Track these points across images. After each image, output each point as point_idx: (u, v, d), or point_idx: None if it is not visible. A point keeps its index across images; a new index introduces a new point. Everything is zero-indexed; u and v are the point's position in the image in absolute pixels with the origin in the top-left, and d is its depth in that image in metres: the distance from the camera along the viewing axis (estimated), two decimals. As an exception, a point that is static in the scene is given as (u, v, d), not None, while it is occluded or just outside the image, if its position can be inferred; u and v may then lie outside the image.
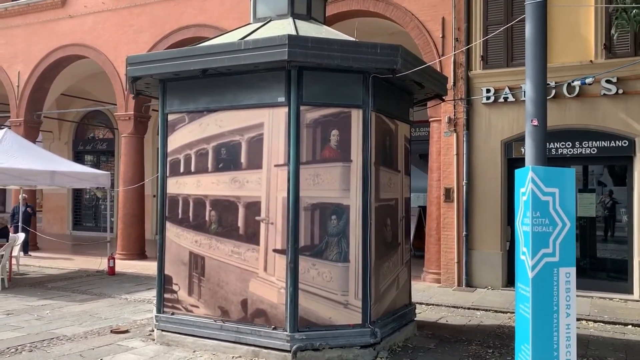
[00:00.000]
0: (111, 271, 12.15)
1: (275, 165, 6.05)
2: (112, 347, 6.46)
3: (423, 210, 14.41)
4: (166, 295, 6.69)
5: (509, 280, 10.82)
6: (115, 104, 14.97)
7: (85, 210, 22.11)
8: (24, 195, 14.54)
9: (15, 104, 16.31)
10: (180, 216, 6.64)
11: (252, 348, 6.02)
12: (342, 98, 6.13)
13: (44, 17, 15.88)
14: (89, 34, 15.13)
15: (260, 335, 5.99)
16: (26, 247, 14.96)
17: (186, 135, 6.60)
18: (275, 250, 6.02)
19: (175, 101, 6.68)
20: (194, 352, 6.26)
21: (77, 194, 21.84)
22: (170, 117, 6.73)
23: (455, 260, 10.89)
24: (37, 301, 9.18)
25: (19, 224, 13.99)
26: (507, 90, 10.64)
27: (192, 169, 6.56)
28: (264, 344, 5.96)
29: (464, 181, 10.88)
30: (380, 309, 6.40)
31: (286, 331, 5.86)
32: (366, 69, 6.01)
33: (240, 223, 6.23)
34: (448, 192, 11.03)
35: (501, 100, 10.72)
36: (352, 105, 6.13)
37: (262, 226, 6.10)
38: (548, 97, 10.12)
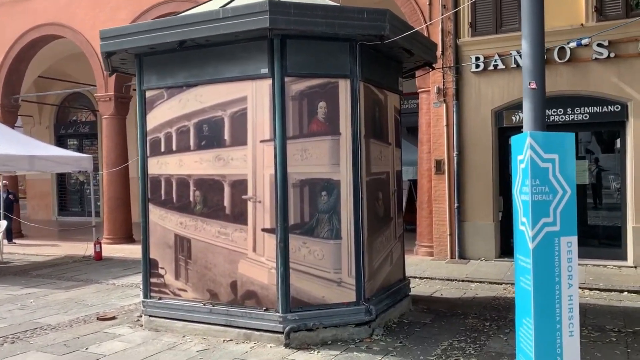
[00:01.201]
0: (98, 256, 11.89)
1: (261, 141, 5.78)
2: (99, 335, 6.23)
3: (413, 183, 14.23)
4: (152, 280, 6.45)
5: (503, 251, 10.72)
6: (96, 85, 14.51)
7: (71, 195, 21.70)
8: (4, 182, 14.14)
9: (-9, 88, 15.76)
10: (163, 197, 6.37)
11: (244, 331, 5.82)
12: (329, 68, 5.84)
13: (16, -4, 15.26)
14: (63, 12, 14.57)
15: (251, 317, 5.79)
16: (10, 235, 14.62)
17: (165, 112, 6.29)
18: (264, 230, 5.79)
19: (152, 77, 6.35)
20: (183, 337, 6.05)
21: (62, 179, 21.40)
22: (148, 94, 6.40)
23: (448, 233, 10.75)
24: (20, 290, 8.91)
25: (0, 211, 13.61)
26: (496, 57, 10.37)
27: (174, 147, 6.27)
28: (255, 326, 5.77)
29: (455, 152, 10.68)
30: (374, 286, 6.22)
31: (278, 312, 5.67)
32: (353, 36, 5.72)
33: (226, 203, 5.98)
34: (439, 164, 10.83)
35: (491, 68, 10.46)
36: (340, 75, 5.85)
37: (250, 205, 5.85)
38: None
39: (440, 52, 10.58)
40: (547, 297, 4.19)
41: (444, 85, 10.79)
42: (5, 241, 14.40)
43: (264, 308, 5.76)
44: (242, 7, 5.44)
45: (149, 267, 6.47)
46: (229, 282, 5.96)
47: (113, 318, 6.98)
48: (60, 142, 21.44)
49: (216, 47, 5.91)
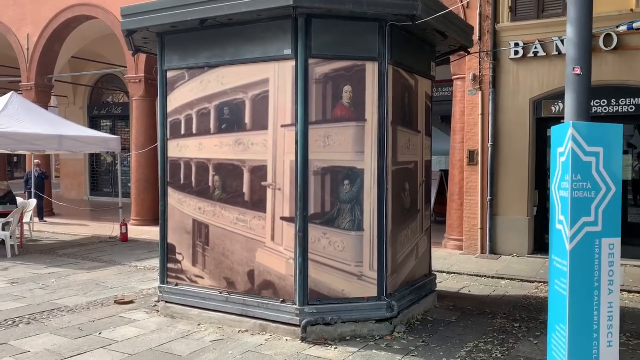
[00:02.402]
0: (123, 237, 11.90)
1: (282, 126, 5.52)
2: (114, 319, 6.13)
3: (445, 174, 13.80)
4: (169, 265, 6.31)
5: (536, 247, 10.26)
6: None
7: (103, 175, 21.94)
8: (36, 160, 14.30)
9: (26, 68, 15.92)
10: (182, 181, 6.19)
11: (260, 321, 5.62)
12: (356, 49, 5.52)
13: (51, -24, 15.31)
14: (96, -8, 14.53)
15: (267, 308, 5.58)
16: (41, 213, 14.83)
17: (186, 93, 6.09)
18: (282, 218, 5.55)
19: (174, 56, 6.15)
20: (198, 324, 5.90)
21: (94, 158, 21.64)
22: (169, 74, 6.21)
23: (479, 226, 10.33)
24: (44, 269, 8.94)
25: (32, 189, 13.78)
26: (537, 43, 9.83)
27: (194, 130, 6.07)
28: (271, 317, 5.56)
29: (489, 142, 10.21)
30: (397, 280, 5.93)
31: (295, 304, 5.44)
32: (382, 16, 5.37)
33: (245, 189, 5.76)
34: (472, 155, 10.39)
35: (530, 54, 9.92)
36: (367, 57, 5.52)
37: (269, 192, 5.61)
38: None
39: (477, 37, 10.09)
40: (584, 303, 3.84)
41: (480, 72, 10.31)
42: (37, 219, 14.65)
43: (281, 299, 5.54)
44: (265, -16, 5.16)
45: (167, 252, 6.33)
46: (246, 271, 5.76)
47: (130, 302, 6.88)
48: (93, 122, 21.66)
49: (238, 26, 5.66)
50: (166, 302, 6.27)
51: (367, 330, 5.54)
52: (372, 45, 5.52)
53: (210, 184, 5.97)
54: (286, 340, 5.41)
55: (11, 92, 11.75)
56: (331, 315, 5.44)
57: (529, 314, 6.57)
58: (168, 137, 6.26)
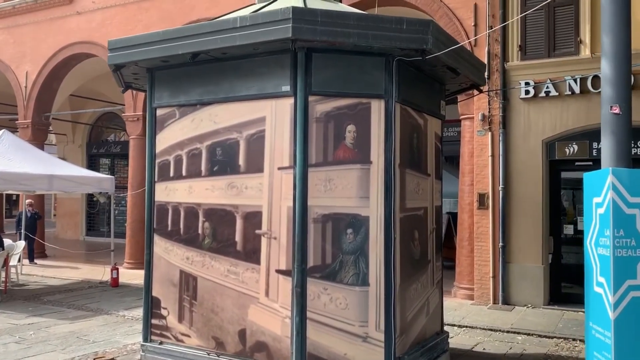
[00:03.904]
0: (114, 282, 11.28)
1: (279, 168, 5.02)
2: (90, 383, 5.50)
3: (452, 217, 13.24)
4: (154, 321, 5.71)
5: (552, 298, 9.59)
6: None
7: (100, 215, 21.40)
8: (29, 200, 13.81)
9: (23, 105, 15.64)
10: (169, 228, 5.65)
11: (251, 389, 4.99)
12: (360, 86, 5.06)
13: (52, 14, 15.17)
14: (97, 30, 14.35)
15: (260, 373, 4.95)
16: (31, 255, 14.25)
17: (177, 132, 5.62)
18: (278, 271, 4.98)
19: (164, 93, 5.71)
20: (183, 390, 5.26)
21: (91, 198, 21.14)
22: (159, 112, 5.76)
23: (491, 275, 9.69)
24: (25, 319, 8.31)
25: (22, 230, 13.24)
26: (548, 83, 9.42)
27: (184, 172, 5.57)
28: (265, 384, 4.92)
29: (500, 186, 9.68)
30: (406, 342, 5.30)
31: (291, 370, 4.82)
32: (389, 51, 4.93)
33: (238, 237, 5.21)
34: (482, 198, 9.85)
35: (542, 94, 9.50)
36: (372, 95, 5.06)
37: (264, 241, 5.07)
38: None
39: (486, 76, 9.70)
40: (633, 382, 3.24)
41: (489, 112, 9.87)
42: (27, 261, 14.06)
43: (276, 364, 4.92)
44: (262, 15, 4.75)
45: (151, 306, 5.73)
46: (237, 330, 5.15)
47: (111, 360, 6.25)
48: (92, 161, 21.30)
49: (233, 61, 5.23)
50: (149, 362, 5.64)
51: (372, 400, 4.89)
52: (378, 82, 5.06)
53: (200, 231, 5.43)
54: (281, 411, 4.77)
55: (3, 130, 11.37)
56: (332, 382, 4.80)
57: (552, 379, 5.91)
58: (156, 179, 5.76)
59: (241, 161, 5.21)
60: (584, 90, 9.15)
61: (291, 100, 4.95)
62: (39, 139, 15.58)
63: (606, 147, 3.68)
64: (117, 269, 11.46)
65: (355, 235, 4.98)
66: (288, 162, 4.96)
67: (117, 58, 5.57)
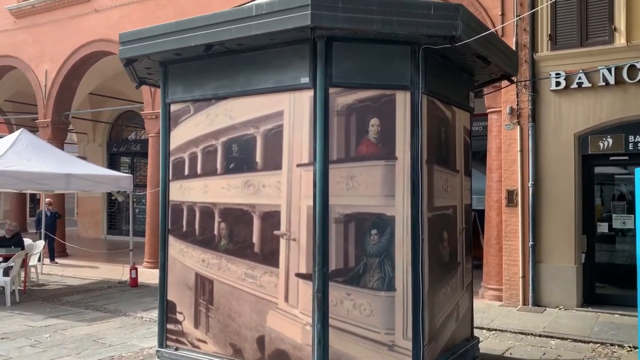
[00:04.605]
0: (133, 282, 11.13)
1: (298, 165, 4.72)
2: (103, 390, 5.29)
3: (478, 214, 12.80)
4: (169, 326, 5.47)
5: (586, 300, 9.15)
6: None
7: (121, 213, 21.40)
8: (48, 199, 13.77)
9: (43, 105, 15.62)
10: (184, 229, 5.40)
11: (271, 399, 4.71)
12: (384, 77, 4.73)
13: (70, 13, 15.10)
14: (114, 28, 14.16)
15: (280, 383, 4.67)
16: (52, 254, 14.23)
17: (191, 129, 5.36)
18: (298, 275, 4.69)
19: (178, 88, 5.45)
20: (199, 399, 5.01)
21: (111, 197, 21.15)
22: (173, 108, 5.51)
23: (520, 275, 9.27)
24: (42, 320, 8.17)
25: (42, 230, 13.19)
26: (581, 74, 8.95)
27: (199, 170, 5.31)
28: (285, 395, 4.64)
29: (530, 182, 9.25)
30: (435, 350, 4.97)
31: (313, 380, 4.52)
32: (415, 38, 4.60)
33: (255, 239, 4.93)
34: (511, 195, 9.43)
35: (574, 86, 9.03)
36: (397, 86, 4.73)
37: (283, 243, 4.78)
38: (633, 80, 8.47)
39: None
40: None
41: (517, 105, 9.44)
42: (48, 260, 14.04)
43: (296, 373, 4.63)
44: (279, 2, 4.43)
45: (166, 310, 5.49)
46: (255, 337, 4.87)
47: (127, 366, 6.04)
48: (113, 160, 21.29)
49: (249, 53, 4.95)
50: (164, 369, 5.41)
51: (400, 413, 4.58)
52: (403, 73, 4.73)
53: (215, 232, 5.17)
54: None
55: (21, 129, 11.30)
56: (356, 394, 4.50)
57: (592, 388, 5.52)
58: (170, 177, 5.52)
59: (258, 158, 4.93)
60: (619, 81, 8.67)
61: (310, 93, 4.64)
62: (59, 138, 15.55)
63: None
64: (136, 269, 11.31)
65: (380, 237, 4.66)
66: (307, 158, 4.66)
67: (129, 52, 5.33)
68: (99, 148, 21.48)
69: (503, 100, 9.59)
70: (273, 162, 4.85)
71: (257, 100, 4.94)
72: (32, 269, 11.48)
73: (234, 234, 5.06)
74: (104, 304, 9.50)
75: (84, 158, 18.19)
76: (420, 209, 4.72)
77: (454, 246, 5.47)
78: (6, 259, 9.72)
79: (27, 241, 11.29)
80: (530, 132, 9.29)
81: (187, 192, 5.38)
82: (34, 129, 15.47)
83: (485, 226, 10.04)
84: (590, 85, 8.91)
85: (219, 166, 5.16)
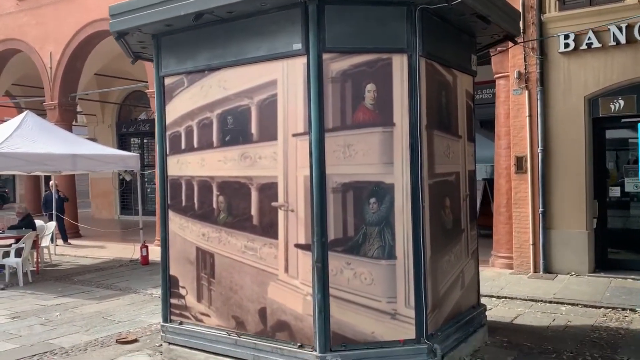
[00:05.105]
0: (144, 261, 11.20)
1: (294, 135, 4.62)
2: (110, 365, 5.33)
3: (488, 182, 12.65)
4: (172, 301, 5.47)
5: (597, 265, 9.03)
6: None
7: (134, 193, 21.50)
8: (55, 181, 13.83)
9: (49, 87, 15.60)
10: (184, 203, 5.36)
11: (274, 370, 4.70)
12: (380, 40, 4.58)
13: (72, -8, 14.98)
14: (116, 6, 14.07)
15: (283, 354, 4.65)
16: (64, 235, 14.35)
17: (186, 102, 5.27)
18: (297, 246, 4.63)
19: (171, 60, 5.35)
20: (204, 372, 5.03)
21: (120, 176, 21.23)
22: (167, 81, 5.41)
23: (531, 242, 9.15)
24: (53, 299, 8.26)
25: (53, 212, 13.30)
26: (590, 34, 8.67)
27: (195, 144, 5.24)
28: (288, 365, 4.63)
29: (539, 148, 9.06)
30: (439, 318, 4.91)
31: (315, 351, 4.49)
32: (411, -1, 4.43)
33: (253, 211, 4.87)
34: (520, 162, 9.26)
35: (583, 47, 8.76)
36: (394, 49, 4.58)
37: (281, 214, 4.71)
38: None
39: (521, 31, 9.02)
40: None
41: (525, 69, 9.20)
42: (61, 241, 14.19)
43: (299, 344, 4.60)
44: (267, -35, 4.29)
45: (169, 285, 5.49)
46: (257, 309, 4.85)
47: (134, 341, 6.07)
48: (122, 140, 21.34)
49: (241, 20, 4.80)
50: (170, 343, 5.42)
51: (404, 381, 4.55)
52: (399, 35, 4.57)
53: (214, 205, 5.12)
54: (305, 394, 4.48)
55: (26, 111, 11.31)
56: (359, 363, 4.47)
57: (601, 353, 5.44)
58: (168, 152, 5.45)
59: (253, 129, 4.84)
60: (630, 40, 8.38)
61: (304, 60, 4.51)
62: (66, 120, 15.58)
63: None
64: (147, 247, 11.37)
65: (379, 205, 4.57)
66: (303, 127, 4.56)
67: (119, 25, 5.24)
68: (108, 129, 21.52)
69: (510, 65, 9.36)
70: (268, 133, 4.75)
71: (250, 69, 4.82)
72: (45, 250, 11.60)
73: (233, 207, 5.00)
74: (114, 282, 9.58)
75: (94, 139, 18.23)
76: (420, 175, 4.61)
77: (457, 213, 5.37)
78: (18, 240, 9.82)
79: (38, 223, 11.40)
80: (538, 97, 9.07)
81: (184, 166, 5.32)
82: (43, 112, 15.51)
83: (495, 194, 9.91)
84: (600, 45, 8.63)
85: (214, 139, 5.08)
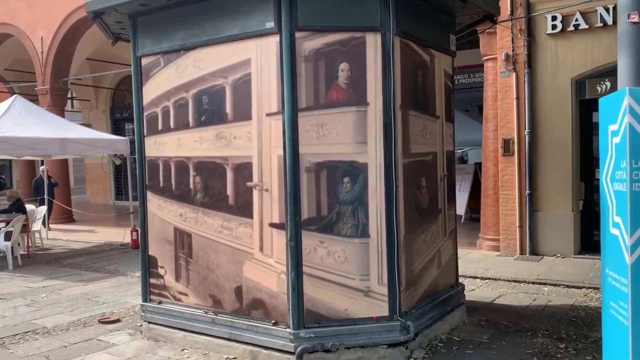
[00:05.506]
0: (135, 244, 11.23)
1: (268, 115, 4.63)
2: (90, 344, 5.38)
3: (479, 166, 12.66)
4: (152, 281, 5.51)
5: (583, 247, 9.07)
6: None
7: (126, 178, 21.50)
8: (45, 167, 13.84)
9: (41, 72, 15.55)
10: (161, 184, 5.38)
11: (250, 347, 4.76)
12: (353, 19, 4.57)
13: (62, -25, 14.87)
14: (105, -11, 13.98)
15: (258, 331, 4.70)
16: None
17: (162, 82, 5.27)
18: (271, 225, 4.66)
19: (147, 41, 5.34)
20: (182, 350, 5.08)
21: (121, 163, 21.24)
22: (144, 62, 5.41)
23: (517, 224, 9.19)
24: (41, 282, 8.32)
25: (45, 197, 13.32)
26: (578, 16, 8.63)
27: (172, 124, 5.24)
28: (263, 342, 4.68)
29: (526, 130, 9.06)
30: (414, 296, 4.96)
31: (289, 328, 4.54)
32: (382, -24, 4.41)
33: (229, 191, 4.89)
34: (507, 144, 9.27)
35: (571, 28, 8.72)
36: (367, 27, 4.58)
37: (256, 194, 4.74)
38: None
39: (508, 12, 8.99)
40: (655, 335, 2.81)
41: (513, 51, 9.17)
42: (54, 226, 14.23)
43: (273, 321, 4.66)
44: (238, -57, 4.26)
45: (148, 265, 5.53)
46: (233, 288, 4.90)
47: (116, 321, 6.13)
48: (117, 126, 21.31)
49: (215, -1, 4.79)
50: (149, 322, 5.48)
51: (377, 358, 4.60)
52: (373, 13, 4.56)
53: (191, 186, 5.14)
54: (279, 370, 4.54)
55: (15, 95, 11.30)
56: (332, 340, 4.52)
57: (577, 331, 5.49)
58: (145, 133, 5.46)
59: (228, 109, 4.84)
60: (617, 21, 8.33)
61: (276, 38, 4.51)
62: (58, 105, 15.54)
63: (623, 64, 3.16)
64: (137, 231, 11.37)
65: (352, 184, 4.59)
66: (276, 107, 4.56)
67: (95, 4, 5.23)
68: (102, 114, 21.48)
69: (498, 47, 9.32)
70: (243, 113, 4.76)
71: (224, 48, 4.81)
72: (37, 235, 11.65)
73: (209, 187, 5.02)
74: (103, 265, 9.64)
75: (88, 125, 18.23)
76: (394, 155, 4.63)
77: (433, 193, 5.39)
78: (8, 224, 9.85)
79: (29, 207, 11.43)
80: (526, 79, 9.05)
81: (161, 147, 5.33)
82: (36, 98, 15.47)
83: (482, 177, 9.93)
84: (587, 27, 8.60)
85: (190, 119, 5.09)
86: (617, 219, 2.90)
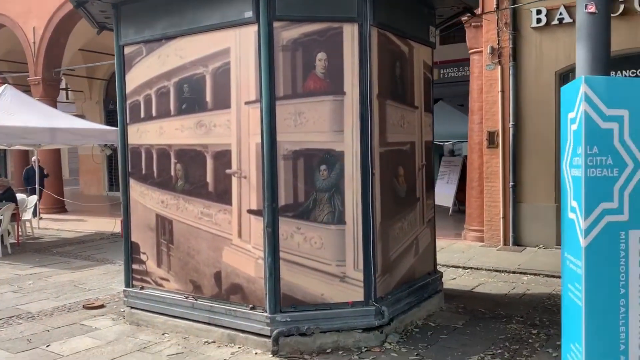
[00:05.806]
0: (124, 234, 11.31)
1: (246, 103, 4.71)
2: (73, 328, 5.47)
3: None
4: (134, 266, 5.61)
5: (566, 238, 9.18)
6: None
7: (116, 169, 21.55)
8: (36, 157, 13.87)
9: (33, 62, 15.56)
10: (144, 171, 5.46)
11: (228, 331, 4.86)
12: (330, 9, 4.65)
13: (54, -35, 14.86)
14: (97, -20, 13.97)
15: (236, 316, 4.81)
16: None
17: (145, 71, 5.34)
18: (250, 211, 4.75)
19: (130, 30, 5.40)
20: (163, 334, 5.18)
21: (101, 150, 21.23)
22: (127, 50, 5.47)
23: (501, 216, 9.32)
24: (29, 269, 8.40)
25: (37, 186, 13.37)
26: (562, 10, 8.72)
27: (154, 112, 5.32)
28: (241, 326, 4.78)
29: (511, 123, 9.17)
30: (390, 282, 5.07)
31: (266, 312, 4.65)
32: (359, -33, 4.49)
33: (209, 178, 4.98)
34: (491, 136, 9.38)
35: (555, 22, 8.82)
36: (344, 18, 4.65)
37: (234, 181, 4.82)
38: (614, 14, 8.18)
39: (494, 6, 9.07)
40: (607, 315, 2.92)
41: (498, 44, 9.26)
42: (46, 215, 14.30)
43: (251, 306, 4.76)
44: None
45: (131, 251, 5.62)
46: (213, 273, 4.99)
47: (101, 306, 6.22)
48: (110, 117, 21.27)
49: (196, -11, 4.86)
50: (132, 307, 5.57)
51: (352, 342, 4.71)
52: (350, 4, 4.64)
53: (172, 173, 5.22)
54: (256, 353, 4.64)
55: (5, 85, 11.33)
56: (308, 324, 4.62)
57: (550, 318, 5.62)
58: (128, 121, 5.54)
59: (208, 97, 4.92)
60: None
61: (255, 28, 4.58)
62: (50, 95, 15.57)
63: (581, 53, 3.25)
64: (127, 221, 11.47)
65: (329, 172, 4.69)
66: (255, 95, 4.64)
67: (78, -7, 5.27)
68: (96, 105, 21.47)
69: (484, 40, 9.41)
70: (222, 101, 4.84)
71: (204, 38, 4.89)
72: (27, 224, 11.72)
73: (190, 174, 5.11)
74: (92, 253, 9.73)
75: (81, 116, 18.22)
76: (370, 144, 4.72)
77: (411, 182, 5.48)
78: (-2, 213, 9.92)
79: (20, 196, 11.49)
80: (511, 72, 9.15)
81: (144, 135, 5.41)
82: (29, 88, 15.48)
83: (468, 168, 10.03)
84: (571, 20, 8.67)
85: (172, 107, 5.17)
86: (574, 204, 3.01)
